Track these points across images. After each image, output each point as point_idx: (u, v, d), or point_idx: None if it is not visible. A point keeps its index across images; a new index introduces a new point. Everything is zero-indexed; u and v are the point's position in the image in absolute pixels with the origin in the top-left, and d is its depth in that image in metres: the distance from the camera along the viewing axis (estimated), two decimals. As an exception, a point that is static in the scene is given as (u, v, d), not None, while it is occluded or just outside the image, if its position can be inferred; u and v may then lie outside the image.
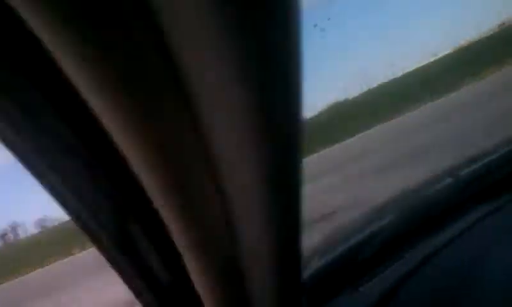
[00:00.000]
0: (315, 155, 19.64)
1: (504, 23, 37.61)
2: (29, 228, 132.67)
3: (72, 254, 30.76)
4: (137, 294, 0.56)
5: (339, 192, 8.44)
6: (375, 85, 39.63)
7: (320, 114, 33.92)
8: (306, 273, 1.00)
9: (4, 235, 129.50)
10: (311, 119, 31.75)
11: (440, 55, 41.23)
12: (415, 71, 37.67)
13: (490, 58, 25.23)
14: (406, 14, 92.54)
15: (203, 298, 0.55)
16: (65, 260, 27.73)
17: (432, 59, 40.94)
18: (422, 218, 1.14)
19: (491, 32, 37.81)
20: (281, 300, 0.63)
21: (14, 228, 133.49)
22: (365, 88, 37.69)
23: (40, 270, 28.83)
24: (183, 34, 0.22)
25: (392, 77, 39.67)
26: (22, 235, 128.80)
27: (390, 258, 1.05)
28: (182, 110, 0.26)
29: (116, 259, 0.50)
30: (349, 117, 28.18)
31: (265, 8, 0.23)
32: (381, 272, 1.02)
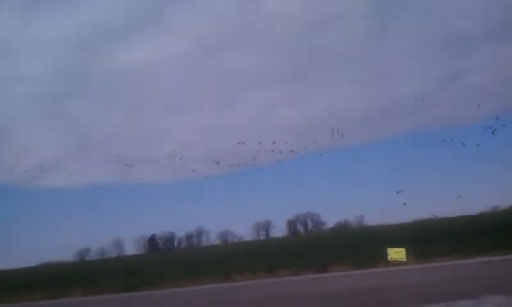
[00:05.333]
0: None
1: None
2: (211, 237, 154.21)
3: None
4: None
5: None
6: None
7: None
8: None
9: (189, 238, 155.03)
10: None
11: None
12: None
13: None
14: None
15: None
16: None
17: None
18: None
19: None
20: None
21: (199, 233, 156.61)
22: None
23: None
24: None
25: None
26: (204, 241, 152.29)
27: None
28: None
29: None
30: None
31: None
32: None
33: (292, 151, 45.15)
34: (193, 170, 45.93)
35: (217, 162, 44.69)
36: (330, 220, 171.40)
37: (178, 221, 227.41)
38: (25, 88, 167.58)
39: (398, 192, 46.41)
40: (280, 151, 43.32)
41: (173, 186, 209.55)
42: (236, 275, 36.21)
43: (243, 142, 44.94)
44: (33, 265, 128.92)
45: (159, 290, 34.31)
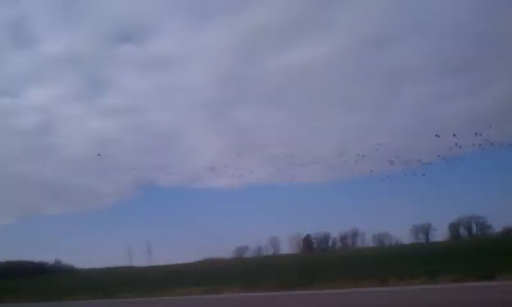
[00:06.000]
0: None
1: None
2: (367, 238, 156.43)
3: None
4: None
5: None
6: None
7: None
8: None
9: (344, 238, 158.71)
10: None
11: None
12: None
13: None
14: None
15: None
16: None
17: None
18: None
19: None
20: None
21: (354, 234, 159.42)
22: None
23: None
24: None
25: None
26: (359, 243, 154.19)
27: None
28: None
29: None
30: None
31: None
32: None
33: (480, 145, 40.36)
34: (371, 170, 44.78)
35: (391, 162, 42.65)
36: (497, 224, 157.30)
37: (334, 221, 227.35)
38: (192, 96, 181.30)
39: None
40: (473, 144, 39.11)
41: (331, 185, 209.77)
42: (393, 280, 35.12)
43: (437, 136, 41.15)
44: (195, 260, 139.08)
45: (314, 290, 34.70)
